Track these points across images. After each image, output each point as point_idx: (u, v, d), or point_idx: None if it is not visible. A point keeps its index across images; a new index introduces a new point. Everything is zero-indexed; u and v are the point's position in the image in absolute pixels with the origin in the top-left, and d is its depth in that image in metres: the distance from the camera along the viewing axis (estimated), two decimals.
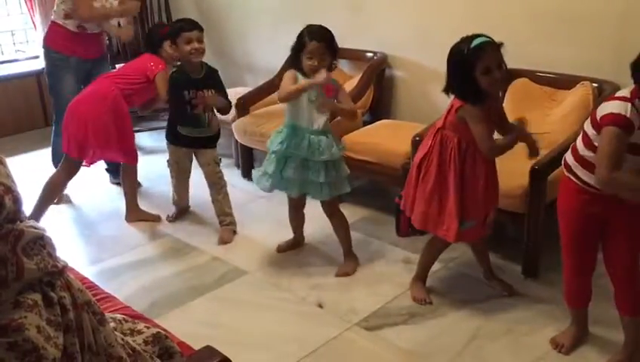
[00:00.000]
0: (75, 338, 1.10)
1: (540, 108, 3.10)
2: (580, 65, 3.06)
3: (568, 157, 2.09)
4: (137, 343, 1.35)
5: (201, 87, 3.09)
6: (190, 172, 3.40)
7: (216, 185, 3.28)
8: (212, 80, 3.16)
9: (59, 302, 1.09)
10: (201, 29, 3.10)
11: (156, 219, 3.50)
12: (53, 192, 3.36)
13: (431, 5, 3.59)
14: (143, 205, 3.57)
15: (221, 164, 3.32)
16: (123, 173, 3.50)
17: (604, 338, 2.33)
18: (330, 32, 2.66)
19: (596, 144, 1.93)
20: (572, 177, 2.07)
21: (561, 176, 2.16)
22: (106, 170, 4.04)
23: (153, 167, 4.29)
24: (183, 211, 3.54)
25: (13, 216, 1.04)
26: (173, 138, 3.28)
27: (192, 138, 3.20)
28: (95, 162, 3.42)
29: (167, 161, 3.39)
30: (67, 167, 3.33)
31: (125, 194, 3.51)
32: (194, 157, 3.33)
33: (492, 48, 2.21)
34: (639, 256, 2.09)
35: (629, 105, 1.84)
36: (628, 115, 1.83)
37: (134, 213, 3.50)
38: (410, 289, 2.70)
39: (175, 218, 3.51)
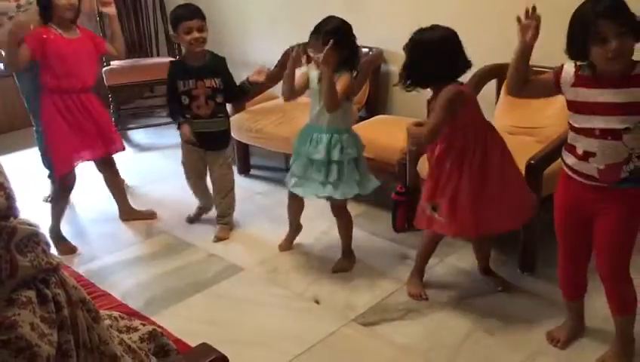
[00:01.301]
0: (69, 335, 1.10)
1: (534, 103, 3.09)
2: None
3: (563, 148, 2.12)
4: (133, 340, 1.34)
5: (201, 77, 2.99)
6: (205, 173, 3.28)
7: (225, 189, 3.23)
8: (214, 68, 3.03)
9: (53, 299, 1.08)
10: (202, 17, 2.98)
11: (151, 215, 3.47)
12: (60, 208, 3.20)
13: (426, 0, 3.59)
14: (135, 203, 3.55)
15: None
16: (105, 177, 3.37)
17: (601, 332, 2.33)
18: (329, 23, 2.62)
19: (570, 121, 2.02)
20: (563, 166, 2.09)
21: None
22: None
23: (146, 164, 4.30)
24: (204, 211, 3.43)
25: (6, 213, 1.03)
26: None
27: (198, 134, 3.06)
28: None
29: (182, 162, 3.29)
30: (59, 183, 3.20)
31: (114, 195, 3.42)
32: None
33: None
34: (627, 257, 2.07)
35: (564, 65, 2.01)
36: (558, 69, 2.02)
37: (128, 213, 3.46)
38: (407, 285, 2.70)
39: (194, 218, 3.41)
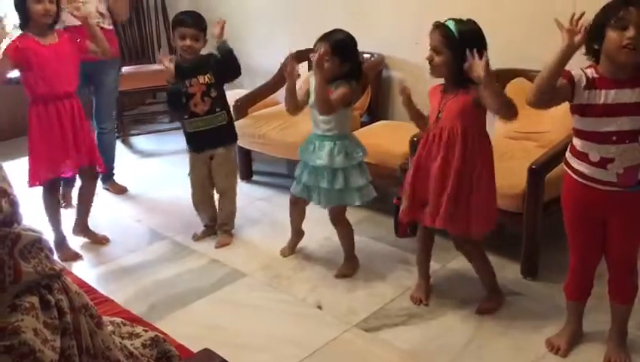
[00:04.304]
0: (72, 341, 1.10)
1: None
2: (578, 63, 3.06)
3: (567, 151, 2.11)
4: (135, 347, 1.34)
5: (194, 74, 3.01)
6: (210, 183, 3.22)
7: (229, 197, 3.23)
8: (205, 63, 3.04)
9: (56, 304, 1.08)
10: (199, 28, 3.00)
11: (103, 240, 3.32)
12: (53, 214, 3.16)
13: (428, 6, 3.59)
14: (137, 209, 3.55)
15: None
16: (82, 186, 3.24)
17: (602, 337, 2.31)
18: (336, 34, 2.62)
19: (581, 127, 1.99)
20: (571, 173, 2.07)
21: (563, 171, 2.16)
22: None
23: (148, 170, 4.31)
24: (211, 231, 3.32)
25: (9, 219, 1.04)
26: (187, 142, 3.16)
27: (201, 135, 3.07)
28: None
29: (188, 173, 3.25)
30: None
31: (79, 206, 3.29)
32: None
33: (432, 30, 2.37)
34: (638, 248, 2.10)
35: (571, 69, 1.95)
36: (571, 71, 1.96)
37: (82, 230, 3.31)
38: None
39: (200, 237, 3.30)
